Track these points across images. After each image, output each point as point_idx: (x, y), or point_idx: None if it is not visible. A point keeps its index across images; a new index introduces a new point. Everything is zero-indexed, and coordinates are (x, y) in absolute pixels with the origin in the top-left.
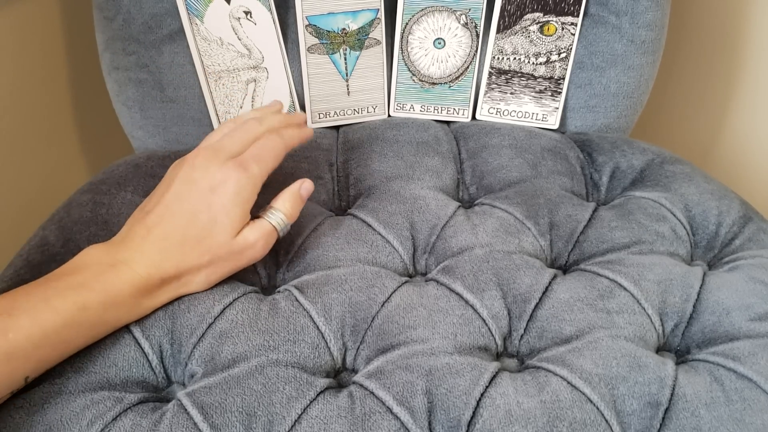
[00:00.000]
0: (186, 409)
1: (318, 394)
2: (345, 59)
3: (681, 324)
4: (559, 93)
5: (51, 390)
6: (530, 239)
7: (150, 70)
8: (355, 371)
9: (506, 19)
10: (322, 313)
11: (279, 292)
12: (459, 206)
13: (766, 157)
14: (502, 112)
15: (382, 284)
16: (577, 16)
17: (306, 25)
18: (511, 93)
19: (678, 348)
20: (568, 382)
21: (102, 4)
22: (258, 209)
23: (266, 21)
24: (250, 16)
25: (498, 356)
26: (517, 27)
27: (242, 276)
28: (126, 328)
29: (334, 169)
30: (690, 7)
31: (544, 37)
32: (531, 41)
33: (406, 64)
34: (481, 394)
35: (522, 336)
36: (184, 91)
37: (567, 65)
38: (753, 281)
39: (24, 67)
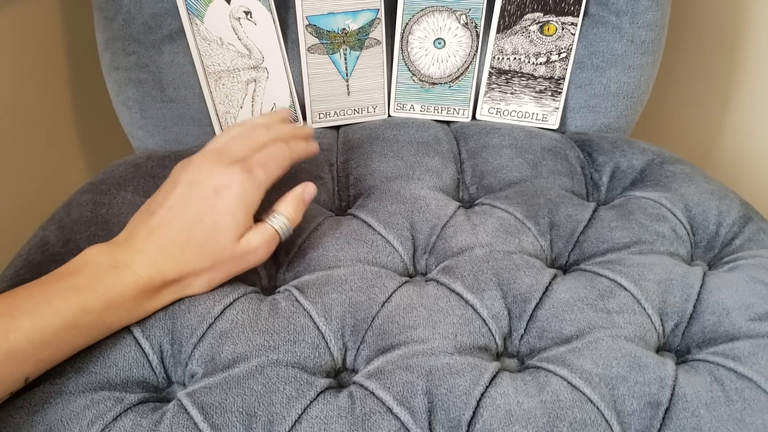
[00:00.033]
0: (186, 409)
1: (318, 394)
2: (345, 59)
3: (681, 324)
4: (559, 93)
5: (51, 390)
6: (530, 239)
7: (150, 70)
8: (355, 371)
9: (506, 19)
10: (323, 313)
11: (279, 292)
12: (459, 206)
13: (766, 157)
14: (502, 112)
15: (383, 284)
16: (577, 16)
17: (306, 25)
18: (512, 93)
19: (678, 348)
20: (569, 382)
21: (102, 4)
22: (260, 211)
23: (266, 21)
24: (250, 16)
25: (498, 356)
26: (517, 27)
27: (242, 276)
28: (126, 329)
29: (334, 169)
30: (690, 7)
31: (544, 37)
32: (531, 41)
33: (406, 64)
34: (482, 394)
35: (522, 336)
36: (184, 91)
37: (567, 65)
38: (753, 281)
39: (24, 67)
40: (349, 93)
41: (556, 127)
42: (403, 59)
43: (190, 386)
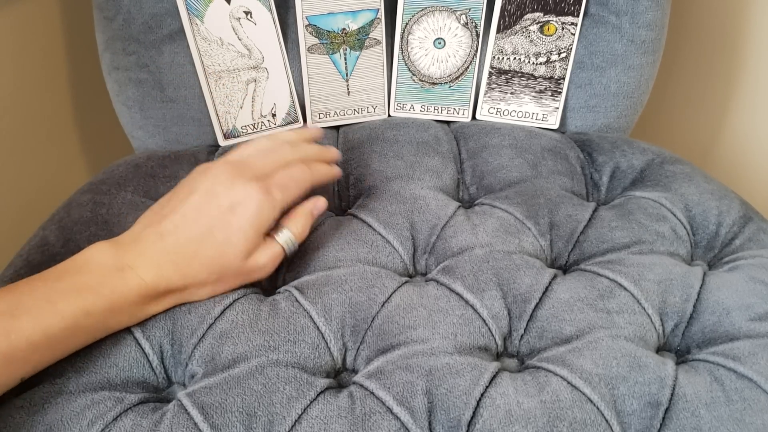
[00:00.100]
0: (186, 410)
1: (318, 395)
2: (345, 59)
3: (681, 324)
4: (559, 93)
5: (51, 390)
6: (530, 239)
7: (150, 70)
8: (355, 371)
9: (506, 19)
10: (322, 313)
11: (279, 292)
12: (459, 206)
13: (766, 157)
14: (502, 112)
15: (382, 284)
16: (577, 16)
17: (306, 25)
18: (512, 93)
19: (678, 348)
20: (568, 382)
21: (102, 4)
22: None
23: (266, 21)
24: (251, 16)
25: (498, 356)
26: (518, 27)
27: None
28: (127, 329)
29: None
30: (690, 7)
31: (544, 37)
32: (531, 41)
33: (406, 64)
34: (481, 394)
35: (522, 336)
36: (184, 91)
37: (567, 65)
38: (753, 281)
39: (24, 67)
40: (349, 93)
41: (556, 127)
42: (403, 59)
43: (191, 386)
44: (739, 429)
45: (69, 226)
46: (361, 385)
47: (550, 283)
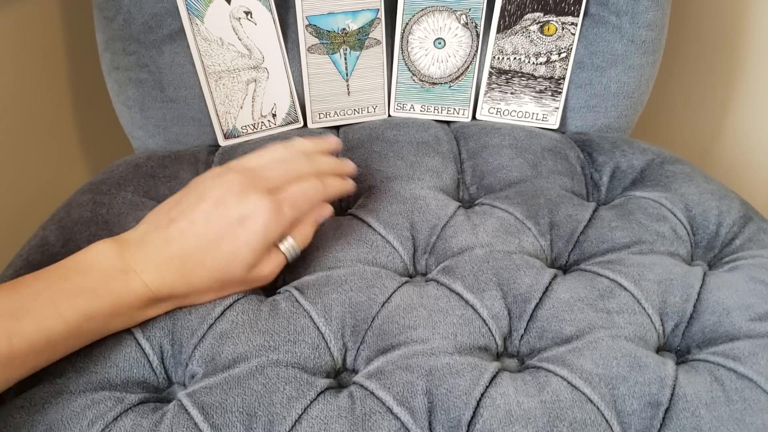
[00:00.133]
0: (186, 410)
1: (318, 395)
2: (345, 59)
3: (681, 324)
4: (560, 93)
5: (52, 390)
6: (530, 239)
7: (150, 70)
8: (355, 371)
9: (506, 19)
10: (322, 313)
11: (279, 293)
12: (459, 206)
13: (766, 157)
14: (502, 112)
15: (382, 284)
16: (578, 16)
17: (306, 25)
18: (512, 93)
19: (678, 348)
20: (569, 382)
21: (102, 4)
22: None
23: (266, 21)
24: (251, 17)
25: (498, 356)
26: (518, 27)
27: None
28: (127, 329)
29: None
30: (690, 7)
31: (544, 37)
32: (531, 41)
33: (406, 64)
34: (482, 394)
35: (522, 336)
36: (184, 91)
37: (567, 65)
38: (753, 281)
39: (24, 67)
40: (349, 93)
41: (556, 127)
42: (403, 59)
43: (191, 386)
44: (739, 429)
45: (69, 226)
46: (362, 385)
47: (550, 283)
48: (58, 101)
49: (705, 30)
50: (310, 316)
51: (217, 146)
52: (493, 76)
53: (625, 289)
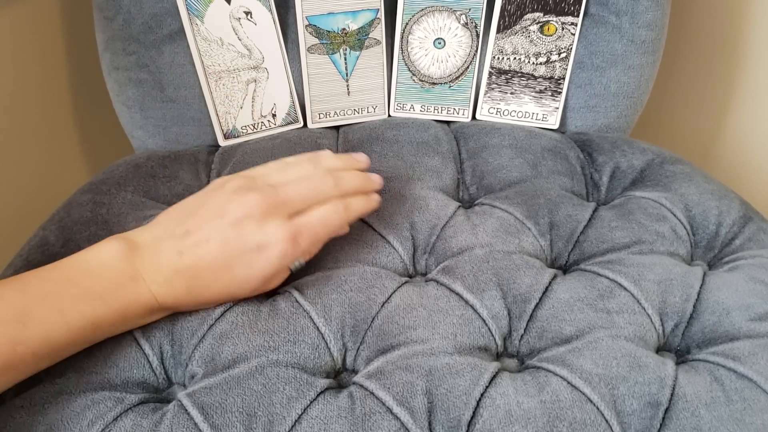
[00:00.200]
0: (186, 410)
1: (318, 395)
2: (345, 59)
3: (681, 324)
4: (559, 93)
5: (52, 390)
6: (530, 239)
7: (150, 70)
8: (355, 372)
9: (506, 19)
10: (322, 313)
11: (279, 293)
12: (459, 206)
13: (766, 157)
14: (502, 112)
15: (382, 285)
16: (577, 16)
17: (306, 25)
18: (512, 93)
19: (678, 348)
20: (568, 382)
21: (102, 4)
22: None
23: (266, 21)
24: (251, 17)
25: (498, 356)
26: (517, 27)
27: None
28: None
29: None
30: (690, 7)
31: (544, 37)
32: (531, 41)
33: (406, 64)
34: (481, 394)
35: (522, 336)
36: (184, 91)
37: (567, 65)
38: (753, 281)
39: (24, 67)
40: (349, 93)
41: (556, 127)
42: (403, 59)
43: (191, 387)
44: (739, 429)
45: (69, 226)
46: (361, 386)
47: (550, 283)
48: (58, 101)
49: (705, 30)
50: (310, 317)
51: (217, 146)
52: (493, 76)
53: (625, 289)
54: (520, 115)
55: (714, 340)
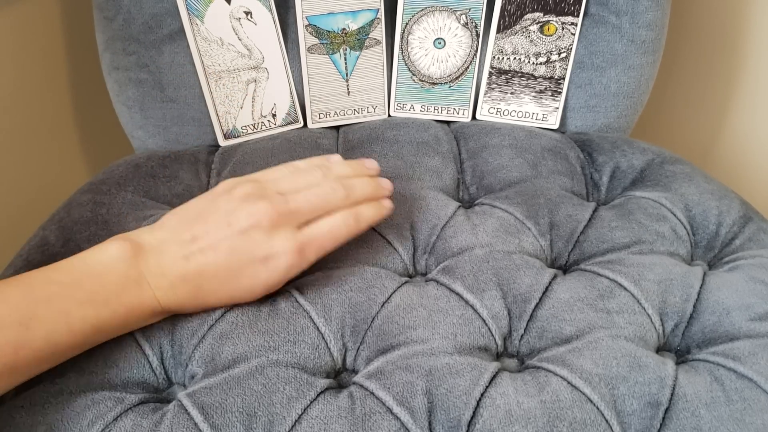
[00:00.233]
0: (186, 410)
1: (318, 395)
2: (345, 59)
3: (681, 324)
4: (560, 93)
5: (52, 390)
6: (530, 239)
7: (150, 70)
8: (355, 372)
9: (506, 19)
10: (322, 313)
11: (279, 293)
12: (459, 206)
13: (766, 157)
14: (502, 112)
15: (382, 285)
16: (577, 15)
17: (306, 25)
18: (512, 93)
19: (678, 348)
20: (568, 382)
21: (102, 4)
22: None
23: (266, 21)
24: (251, 17)
25: (498, 356)
26: (518, 27)
27: None
28: None
29: None
30: (690, 7)
31: (544, 36)
32: (531, 41)
33: (406, 64)
34: (481, 394)
35: (522, 336)
36: (184, 91)
37: (567, 65)
38: (753, 281)
39: (24, 67)
40: (349, 93)
41: (556, 127)
42: (403, 59)
43: (191, 387)
44: (739, 429)
45: (69, 226)
46: (361, 386)
47: (550, 283)
48: (58, 101)
49: (705, 30)
50: (310, 317)
51: (217, 146)
52: (493, 76)
53: (625, 289)
54: (520, 115)
55: (714, 340)
